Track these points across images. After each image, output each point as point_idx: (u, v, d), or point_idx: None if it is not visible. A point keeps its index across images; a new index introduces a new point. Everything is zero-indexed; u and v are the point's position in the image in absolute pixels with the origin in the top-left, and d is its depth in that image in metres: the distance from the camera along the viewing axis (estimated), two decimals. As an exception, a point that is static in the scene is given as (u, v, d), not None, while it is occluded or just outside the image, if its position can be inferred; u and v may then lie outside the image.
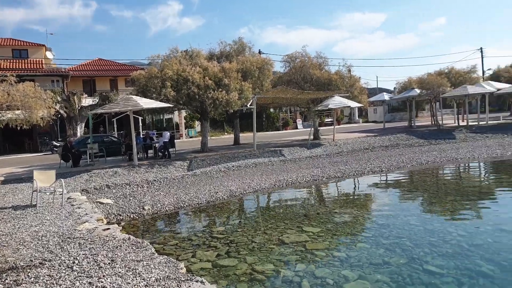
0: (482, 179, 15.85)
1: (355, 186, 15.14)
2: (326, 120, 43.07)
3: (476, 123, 28.01)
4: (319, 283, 6.14)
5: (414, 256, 7.10)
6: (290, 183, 15.06)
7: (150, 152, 20.04)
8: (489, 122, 28.57)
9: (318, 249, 7.67)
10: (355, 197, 13.27)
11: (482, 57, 52.83)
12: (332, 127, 26.66)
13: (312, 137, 23.95)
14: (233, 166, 17.54)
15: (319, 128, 27.01)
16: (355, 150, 21.63)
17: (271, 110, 41.26)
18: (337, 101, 22.37)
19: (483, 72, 47.28)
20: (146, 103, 16.16)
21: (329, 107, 22.37)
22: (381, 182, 15.59)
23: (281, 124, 41.95)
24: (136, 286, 4.74)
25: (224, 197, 13.15)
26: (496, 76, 38.58)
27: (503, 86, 30.61)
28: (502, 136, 24.27)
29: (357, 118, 48.75)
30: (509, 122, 29.25)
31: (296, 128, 41.99)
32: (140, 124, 24.68)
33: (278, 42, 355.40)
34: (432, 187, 13.88)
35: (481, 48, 52.20)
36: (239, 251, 7.84)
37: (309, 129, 25.44)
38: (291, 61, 25.76)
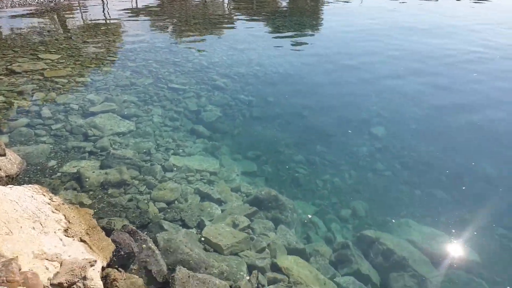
0: (225, 6, 17.03)
1: (101, 11, 13.78)
2: None
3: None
4: (61, 109, 5.72)
5: (160, 76, 7.39)
6: (16, 4, 12.36)
7: None
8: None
9: (59, 76, 6.95)
10: (101, 22, 12.17)
11: None
12: None
13: None
14: None
15: None
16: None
17: None
18: None
19: None
20: None
21: None
22: (131, 8, 14.68)
23: None
24: None
25: None
26: None
27: None
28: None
29: None
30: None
31: None
32: None
33: None
34: (179, 12, 14.06)
35: None
36: (-48, 86, 6.30)
37: None
38: None
